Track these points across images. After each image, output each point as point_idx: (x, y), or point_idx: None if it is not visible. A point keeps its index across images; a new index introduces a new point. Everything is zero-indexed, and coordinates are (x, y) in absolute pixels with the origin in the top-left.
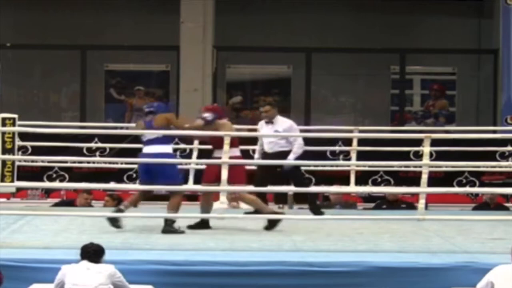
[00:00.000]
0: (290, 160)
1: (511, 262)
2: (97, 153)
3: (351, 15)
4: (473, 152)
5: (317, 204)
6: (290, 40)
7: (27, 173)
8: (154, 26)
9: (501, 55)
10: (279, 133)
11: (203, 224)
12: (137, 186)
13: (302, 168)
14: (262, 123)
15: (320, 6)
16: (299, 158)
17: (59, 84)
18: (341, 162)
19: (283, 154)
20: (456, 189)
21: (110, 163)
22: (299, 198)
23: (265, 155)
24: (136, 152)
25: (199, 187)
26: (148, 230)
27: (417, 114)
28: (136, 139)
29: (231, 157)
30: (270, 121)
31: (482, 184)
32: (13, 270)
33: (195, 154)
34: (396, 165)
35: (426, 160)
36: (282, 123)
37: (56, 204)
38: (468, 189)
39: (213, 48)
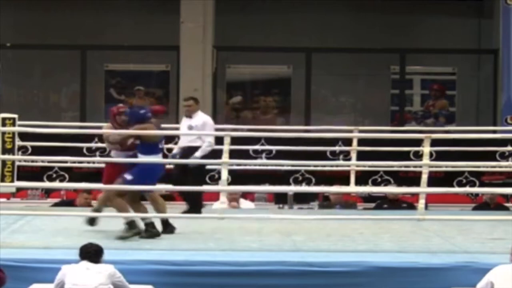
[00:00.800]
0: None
1: (511, 262)
2: (97, 153)
3: (351, 15)
4: (473, 152)
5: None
6: (290, 40)
7: (27, 173)
8: (154, 26)
9: (501, 55)
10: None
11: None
12: (137, 187)
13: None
14: (183, 118)
15: (320, 6)
16: (206, 157)
17: (59, 84)
18: (341, 162)
19: (192, 149)
20: (456, 189)
21: (110, 163)
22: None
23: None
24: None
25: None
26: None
27: (417, 114)
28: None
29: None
30: (189, 116)
31: (482, 184)
32: (13, 270)
33: None
34: (396, 165)
35: (426, 160)
36: (199, 118)
37: (56, 204)
38: (468, 189)
39: (213, 48)
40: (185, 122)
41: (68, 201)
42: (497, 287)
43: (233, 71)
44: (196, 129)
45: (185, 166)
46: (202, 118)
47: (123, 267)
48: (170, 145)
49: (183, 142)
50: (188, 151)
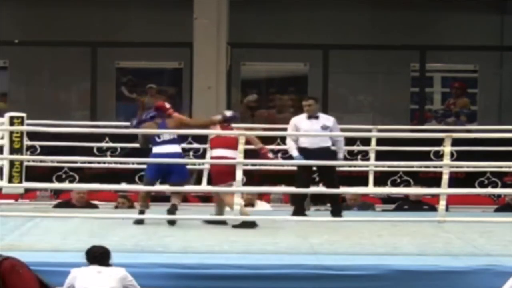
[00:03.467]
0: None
1: None
2: (108, 153)
3: (369, 11)
4: (495, 152)
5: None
6: (307, 37)
7: (35, 173)
8: (167, 23)
9: None
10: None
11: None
12: (147, 188)
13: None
14: (302, 118)
15: (338, 1)
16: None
17: (69, 82)
18: (359, 162)
19: (327, 150)
20: (477, 190)
21: (121, 163)
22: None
23: (306, 151)
24: (147, 153)
25: (210, 188)
26: (160, 232)
27: (437, 112)
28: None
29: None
30: (313, 116)
31: (505, 185)
32: None
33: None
34: (416, 165)
35: (446, 160)
36: (327, 118)
37: (55, 206)
38: (490, 190)
39: (228, 45)
40: (313, 123)
41: (66, 202)
42: None
43: (248, 68)
44: (331, 129)
45: (310, 167)
46: (329, 117)
47: (135, 270)
48: None
49: (317, 144)
50: (325, 152)
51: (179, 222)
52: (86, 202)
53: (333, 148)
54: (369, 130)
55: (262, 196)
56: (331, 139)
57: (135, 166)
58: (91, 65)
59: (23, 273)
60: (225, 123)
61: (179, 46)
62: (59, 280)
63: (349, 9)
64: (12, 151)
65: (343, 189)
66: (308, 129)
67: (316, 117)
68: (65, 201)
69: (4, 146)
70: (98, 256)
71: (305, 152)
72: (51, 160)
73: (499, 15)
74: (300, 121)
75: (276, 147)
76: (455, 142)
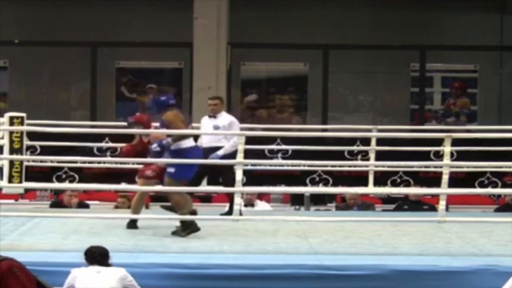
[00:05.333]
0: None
1: None
2: (108, 153)
3: (369, 11)
4: (495, 152)
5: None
6: (307, 36)
7: (35, 173)
8: (167, 22)
9: None
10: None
11: None
12: (149, 188)
13: (319, 168)
14: (205, 116)
15: (338, 2)
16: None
17: (69, 82)
18: (359, 162)
19: (217, 149)
20: (477, 190)
21: (121, 163)
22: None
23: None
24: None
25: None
26: (161, 232)
27: (437, 112)
28: None
29: None
30: (214, 116)
31: (505, 185)
32: None
33: None
34: (416, 165)
35: (446, 160)
36: (224, 118)
37: (50, 206)
38: (490, 190)
39: (228, 45)
40: (209, 122)
41: (58, 201)
42: None
43: (248, 68)
44: (223, 129)
45: (215, 167)
46: (228, 117)
47: (135, 270)
48: None
49: (208, 142)
50: (215, 151)
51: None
52: (78, 203)
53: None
54: (369, 130)
55: (262, 196)
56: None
57: (135, 166)
58: (91, 65)
59: (20, 274)
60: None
61: (179, 46)
62: (59, 280)
63: (349, 9)
64: (12, 151)
65: (343, 189)
66: (205, 129)
67: (215, 117)
68: (57, 201)
69: (4, 146)
70: (98, 256)
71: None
72: (51, 160)
73: (499, 15)
74: (203, 120)
75: (276, 147)
76: (455, 142)
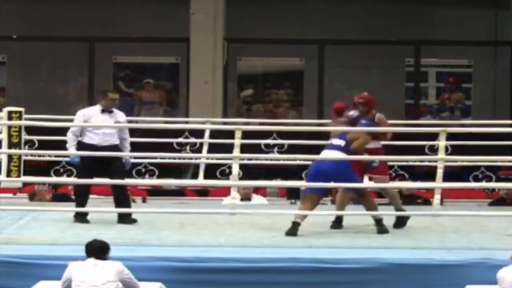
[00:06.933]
0: None
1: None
2: None
3: (365, 7)
4: (490, 146)
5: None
6: (303, 32)
7: (33, 167)
8: (164, 18)
9: None
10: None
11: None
12: (145, 181)
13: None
14: (95, 110)
15: None
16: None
17: (67, 77)
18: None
19: (116, 148)
20: (472, 184)
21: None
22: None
23: (94, 147)
24: (145, 146)
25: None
26: (158, 226)
27: (432, 107)
28: (148, 133)
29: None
30: (108, 110)
31: (499, 179)
32: (19, 267)
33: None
34: (411, 159)
35: (441, 154)
36: (120, 114)
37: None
38: (484, 184)
39: (224, 40)
40: (107, 117)
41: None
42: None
43: (244, 63)
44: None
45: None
46: (121, 113)
47: (132, 264)
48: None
49: (106, 141)
50: (113, 150)
51: (175, 216)
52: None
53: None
54: None
55: (258, 190)
56: (120, 137)
57: (133, 160)
58: (89, 60)
59: None
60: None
61: (176, 41)
62: (56, 273)
63: (344, 4)
64: (11, 145)
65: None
66: (101, 124)
67: (111, 112)
68: (62, 194)
69: (2, 141)
70: (96, 249)
71: (92, 150)
72: (49, 155)
73: (493, 10)
74: (91, 114)
75: (272, 142)
76: (450, 136)
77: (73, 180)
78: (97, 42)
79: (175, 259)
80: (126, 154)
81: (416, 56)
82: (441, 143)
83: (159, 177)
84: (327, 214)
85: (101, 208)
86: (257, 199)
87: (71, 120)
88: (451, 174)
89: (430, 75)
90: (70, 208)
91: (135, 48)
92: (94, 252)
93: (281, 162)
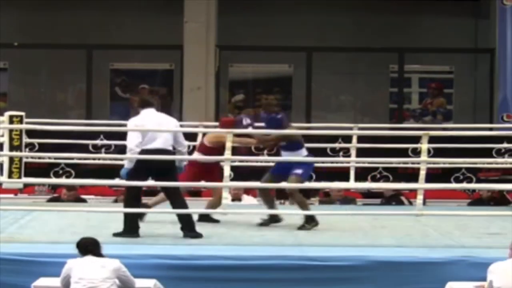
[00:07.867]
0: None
1: (509, 257)
2: (103, 150)
3: (351, 15)
4: (470, 149)
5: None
6: (291, 39)
7: (34, 169)
8: (159, 26)
9: (497, 55)
10: None
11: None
12: (142, 183)
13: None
14: None
15: (321, 6)
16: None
17: (66, 82)
18: (341, 158)
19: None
20: (453, 185)
21: (115, 159)
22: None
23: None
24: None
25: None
26: (153, 225)
27: (415, 112)
28: None
29: None
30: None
31: (479, 180)
32: (21, 264)
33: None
34: (394, 161)
35: (424, 156)
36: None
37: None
38: (465, 185)
39: (216, 47)
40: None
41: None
42: (496, 286)
43: (235, 70)
44: None
45: None
46: None
47: (128, 261)
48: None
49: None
50: None
51: (169, 216)
52: (76, 198)
53: None
54: (350, 128)
55: (248, 191)
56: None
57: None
58: (87, 66)
59: None
60: None
61: (170, 48)
62: (56, 271)
63: (331, 14)
64: (12, 148)
65: (325, 184)
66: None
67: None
68: (55, 197)
69: (4, 144)
70: (90, 246)
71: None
72: (48, 157)
73: (473, 18)
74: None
75: None
76: (432, 139)
77: (71, 181)
78: (94, 50)
79: (169, 257)
80: (127, 156)
81: (400, 62)
82: (424, 146)
83: None
84: (315, 214)
85: (101, 208)
86: (247, 199)
87: (70, 124)
88: (434, 175)
89: (413, 81)
90: (70, 208)
91: (131, 55)
92: (89, 249)
93: (271, 164)
